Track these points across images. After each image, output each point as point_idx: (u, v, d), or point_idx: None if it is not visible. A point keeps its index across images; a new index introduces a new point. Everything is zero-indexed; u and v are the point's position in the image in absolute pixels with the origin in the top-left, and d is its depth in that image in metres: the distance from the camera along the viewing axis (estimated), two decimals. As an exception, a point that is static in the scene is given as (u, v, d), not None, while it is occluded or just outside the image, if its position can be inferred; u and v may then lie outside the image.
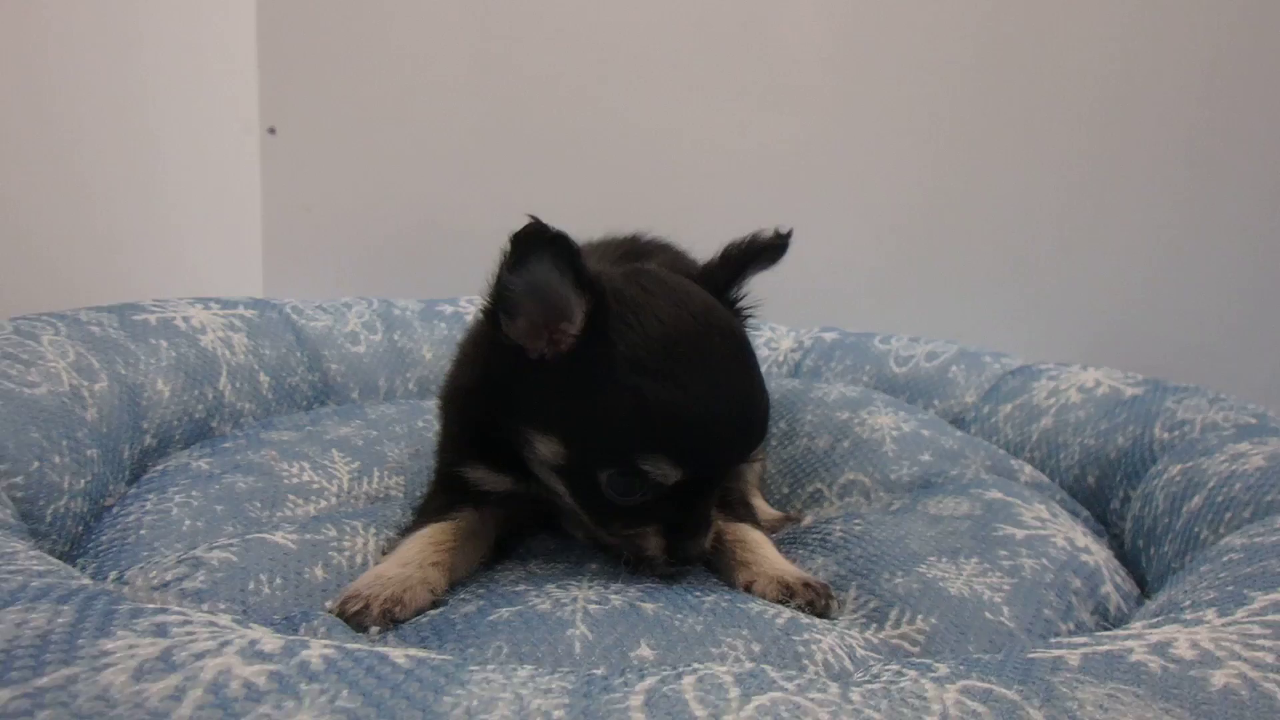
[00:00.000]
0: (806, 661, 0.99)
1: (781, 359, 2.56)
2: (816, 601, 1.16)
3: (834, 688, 0.67)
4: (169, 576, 1.07)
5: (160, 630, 0.67)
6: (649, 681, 0.66)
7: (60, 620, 0.67)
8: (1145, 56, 2.72)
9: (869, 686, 0.68)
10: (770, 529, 1.65)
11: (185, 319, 1.83)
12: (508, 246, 1.04)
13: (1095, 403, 1.86)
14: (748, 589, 1.21)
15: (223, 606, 1.01)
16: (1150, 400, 1.78)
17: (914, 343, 2.37)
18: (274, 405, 1.91)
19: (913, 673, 0.71)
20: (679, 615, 1.04)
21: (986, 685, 0.69)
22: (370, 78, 3.12)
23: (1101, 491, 1.73)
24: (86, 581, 0.81)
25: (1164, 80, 2.72)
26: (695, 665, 0.69)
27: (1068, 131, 2.80)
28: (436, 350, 2.32)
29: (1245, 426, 1.58)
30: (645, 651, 0.97)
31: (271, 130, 3.19)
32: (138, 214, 2.64)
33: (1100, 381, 1.91)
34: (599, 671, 0.69)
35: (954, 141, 2.89)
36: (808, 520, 1.50)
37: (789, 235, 1.30)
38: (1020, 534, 1.36)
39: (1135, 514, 1.55)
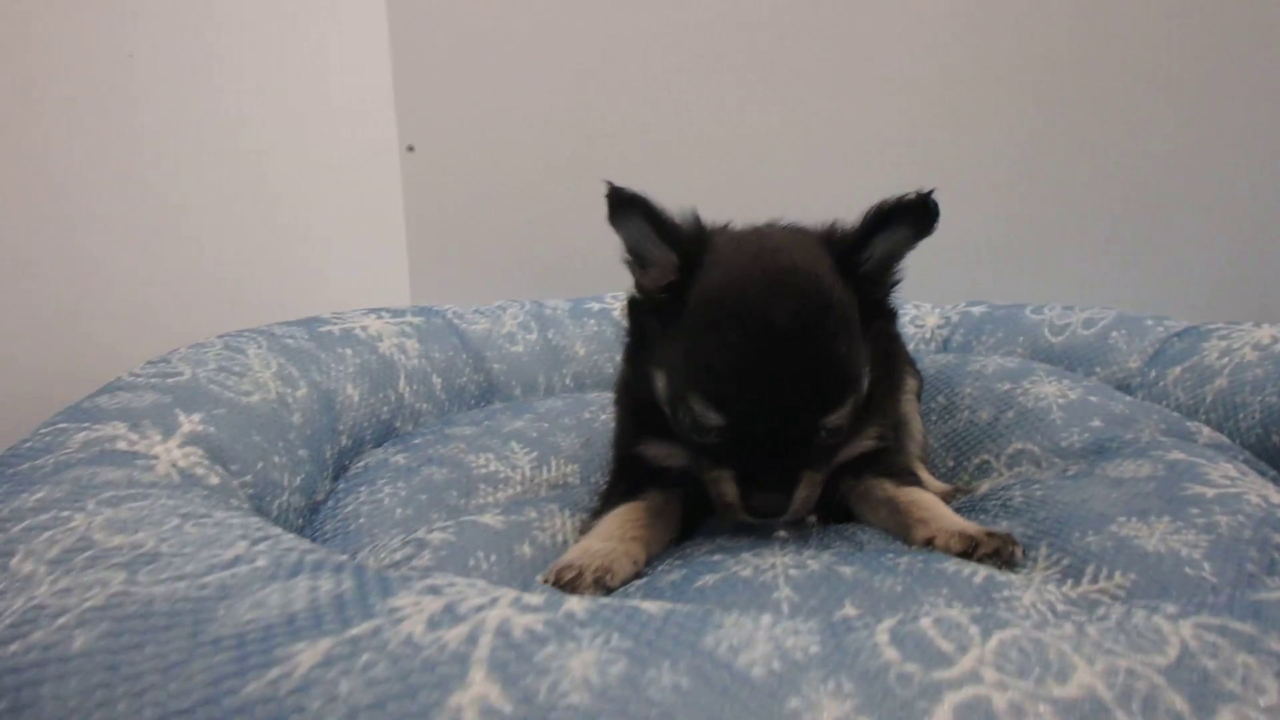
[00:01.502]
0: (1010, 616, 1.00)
1: (929, 336, 2.54)
2: (1002, 550, 1.16)
3: (1069, 625, 0.70)
4: (398, 556, 1.16)
5: (434, 590, 0.74)
6: (888, 624, 0.70)
7: (345, 586, 0.75)
8: None
9: (1102, 624, 0.70)
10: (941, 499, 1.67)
11: (364, 328, 1.95)
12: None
13: (1275, 360, 1.78)
14: (928, 545, 1.21)
15: (451, 581, 1.09)
16: (1335, 351, 1.70)
17: (1068, 311, 2.32)
18: (447, 405, 2.02)
19: (1142, 612, 0.72)
20: (877, 577, 1.07)
21: (1220, 621, 0.70)
22: (503, 88, 3.23)
23: (1289, 450, 1.67)
24: (347, 558, 0.90)
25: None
26: (927, 609, 0.72)
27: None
28: (588, 346, 2.40)
29: None
30: (850, 611, 1.00)
31: (410, 148, 3.35)
32: (287, 237, 2.80)
33: (1277, 338, 1.84)
34: (834, 618, 0.73)
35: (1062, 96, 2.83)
36: (983, 488, 1.50)
37: (930, 194, 1.19)
38: (1210, 492, 1.33)
39: (1331, 471, 1.49)
